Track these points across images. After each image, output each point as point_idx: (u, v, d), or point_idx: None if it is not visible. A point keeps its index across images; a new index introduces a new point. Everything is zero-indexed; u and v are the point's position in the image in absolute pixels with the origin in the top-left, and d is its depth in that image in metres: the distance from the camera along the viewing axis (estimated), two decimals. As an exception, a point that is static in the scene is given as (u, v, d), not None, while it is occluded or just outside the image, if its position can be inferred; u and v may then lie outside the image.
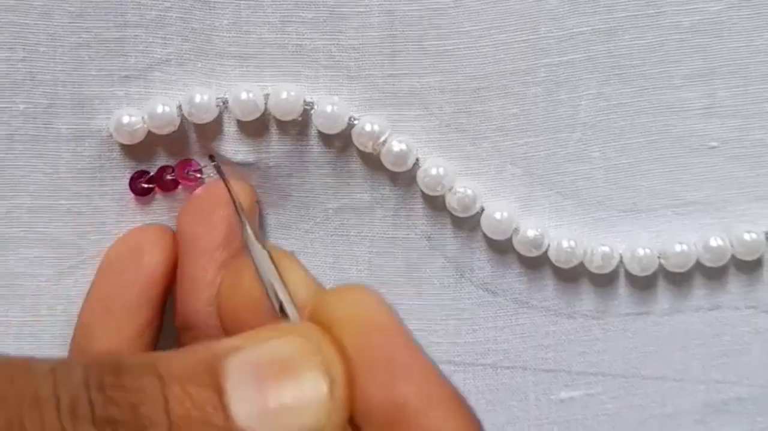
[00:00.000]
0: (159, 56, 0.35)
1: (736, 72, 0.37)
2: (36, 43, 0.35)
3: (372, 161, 0.37)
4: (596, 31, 0.36)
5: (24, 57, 0.35)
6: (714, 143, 0.37)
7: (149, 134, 0.36)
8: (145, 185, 0.36)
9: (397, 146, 0.36)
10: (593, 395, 0.39)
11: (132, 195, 0.36)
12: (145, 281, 0.33)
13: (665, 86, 0.37)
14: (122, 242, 0.35)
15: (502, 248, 0.37)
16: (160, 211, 0.36)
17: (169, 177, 0.36)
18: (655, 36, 0.36)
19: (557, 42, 0.36)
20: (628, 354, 0.39)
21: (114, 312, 0.32)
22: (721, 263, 0.38)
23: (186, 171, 0.36)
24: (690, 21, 0.36)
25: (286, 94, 0.35)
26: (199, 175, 0.36)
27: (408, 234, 0.37)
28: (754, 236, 0.37)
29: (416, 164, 0.36)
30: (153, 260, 0.33)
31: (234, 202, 0.33)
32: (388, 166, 0.36)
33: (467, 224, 0.37)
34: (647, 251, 0.37)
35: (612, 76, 0.37)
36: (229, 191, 0.34)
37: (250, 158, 0.36)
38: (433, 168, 0.36)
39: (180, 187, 0.36)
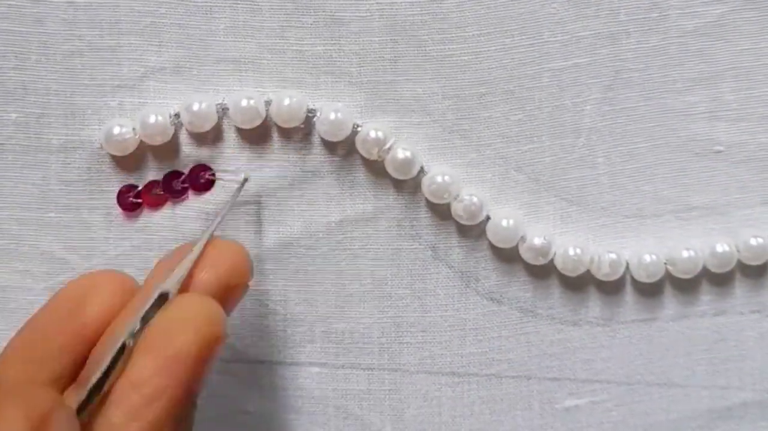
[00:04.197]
0: (153, 64, 0.35)
1: (742, 75, 0.37)
2: (28, 51, 0.34)
3: (375, 170, 0.36)
4: (600, 35, 0.36)
5: (16, 65, 0.34)
6: (719, 147, 0.37)
7: (141, 144, 0.35)
8: (133, 200, 0.35)
9: (401, 153, 0.35)
10: (598, 403, 0.38)
11: (120, 210, 0.35)
12: (78, 330, 0.30)
13: (670, 90, 0.37)
14: (73, 285, 0.31)
15: (507, 257, 0.37)
16: (149, 228, 0.35)
17: (156, 192, 0.35)
18: (659, 40, 0.36)
19: (561, 46, 0.36)
20: (633, 361, 0.38)
21: (37, 352, 0.29)
22: (727, 269, 0.38)
23: (173, 183, 0.35)
24: (694, 24, 0.36)
25: (288, 101, 0.34)
26: (185, 185, 0.35)
27: (412, 245, 0.37)
28: (760, 240, 0.37)
29: (421, 171, 0.36)
30: (92, 312, 0.30)
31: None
32: (393, 173, 0.35)
33: (473, 232, 0.37)
34: (654, 257, 0.37)
35: (616, 81, 0.36)
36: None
37: (252, 166, 0.35)
38: (439, 176, 0.35)
39: (168, 202, 0.36)
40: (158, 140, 0.35)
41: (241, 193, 0.35)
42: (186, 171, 0.35)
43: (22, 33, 0.34)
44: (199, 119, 0.34)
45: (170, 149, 0.35)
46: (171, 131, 0.35)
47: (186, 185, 0.35)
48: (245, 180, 0.35)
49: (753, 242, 0.37)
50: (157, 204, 0.35)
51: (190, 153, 0.35)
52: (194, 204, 0.35)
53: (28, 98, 0.34)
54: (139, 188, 0.35)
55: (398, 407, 0.37)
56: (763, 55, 0.37)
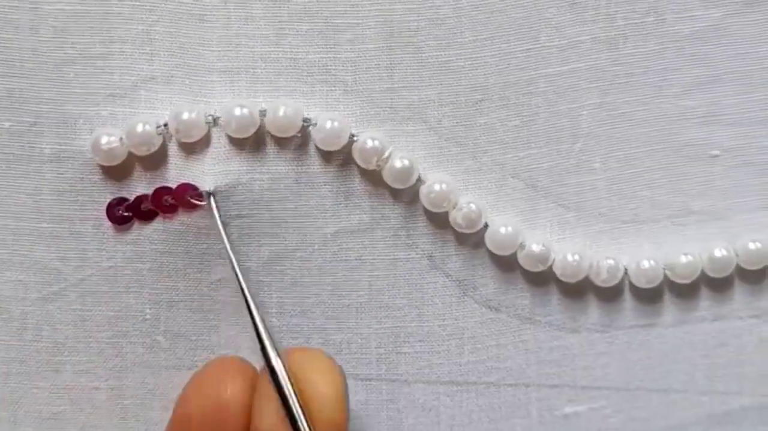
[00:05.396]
0: (145, 73, 0.34)
1: (740, 79, 0.37)
2: (20, 60, 0.34)
3: (372, 179, 0.36)
4: (597, 40, 0.36)
5: (7, 73, 0.34)
6: (716, 152, 0.37)
7: (130, 154, 0.34)
8: (124, 214, 0.35)
9: (399, 162, 0.35)
10: (597, 409, 0.38)
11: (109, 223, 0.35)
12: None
13: (667, 95, 0.37)
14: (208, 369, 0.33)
15: (505, 264, 0.37)
16: (140, 240, 0.35)
17: (146, 207, 0.35)
18: (656, 44, 0.36)
19: (558, 52, 0.36)
20: (632, 367, 0.38)
21: None
22: (725, 274, 0.38)
23: (164, 199, 0.35)
24: (691, 29, 0.36)
25: (284, 111, 0.34)
26: (175, 202, 0.35)
27: (409, 254, 0.36)
28: (758, 245, 0.37)
29: (419, 180, 0.35)
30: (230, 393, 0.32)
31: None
32: (391, 183, 0.35)
33: (470, 240, 0.36)
34: (652, 263, 0.37)
35: (613, 86, 0.36)
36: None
37: (245, 177, 0.35)
38: (437, 184, 0.35)
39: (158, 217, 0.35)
40: (144, 150, 0.34)
41: (219, 209, 0.35)
42: (174, 187, 0.35)
43: (13, 41, 0.34)
44: (187, 128, 0.34)
45: (159, 159, 0.35)
46: (158, 141, 0.34)
47: (175, 202, 0.35)
48: (210, 195, 0.35)
49: (751, 246, 0.37)
50: (147, 218, 0.35)
51: (179, 164, 0.35)
52: (185, 218, 0.35)
53: (21, 107, 0.34)
54: (129, 200, 0.35)
55: (396, 417, 0.37)
56: (760, 58, 0.37)
